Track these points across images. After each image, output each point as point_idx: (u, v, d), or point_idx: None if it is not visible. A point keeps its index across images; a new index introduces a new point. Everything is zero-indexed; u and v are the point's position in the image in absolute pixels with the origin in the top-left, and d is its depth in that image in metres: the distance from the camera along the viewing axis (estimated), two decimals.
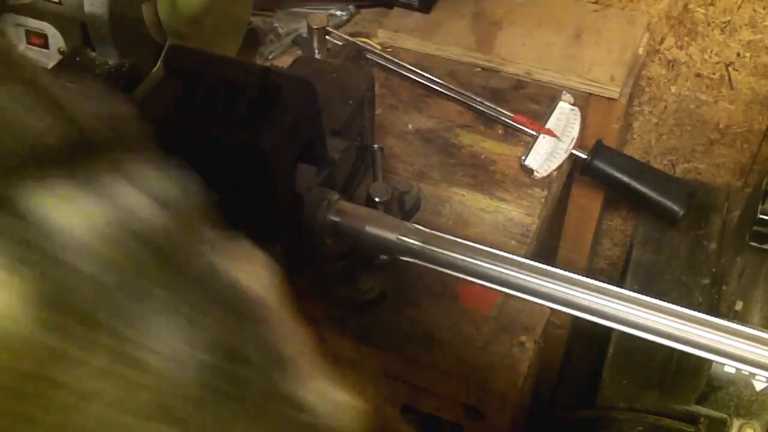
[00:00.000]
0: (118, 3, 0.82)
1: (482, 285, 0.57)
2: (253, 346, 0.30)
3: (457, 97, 1.00)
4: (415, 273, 0.82)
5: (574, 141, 0.96)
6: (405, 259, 0.60)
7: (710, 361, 0.83)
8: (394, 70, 1.04)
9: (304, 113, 0.61)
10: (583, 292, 0.53)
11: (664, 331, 0.51)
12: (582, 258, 1.33)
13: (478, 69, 1.06)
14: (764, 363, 0.48)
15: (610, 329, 0.53)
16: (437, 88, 1.02)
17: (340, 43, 1.00)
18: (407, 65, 1.03)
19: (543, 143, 0.94)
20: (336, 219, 0.64)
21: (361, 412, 0.33)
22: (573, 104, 0.99)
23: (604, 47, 1.05)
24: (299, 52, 1.06)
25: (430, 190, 0.91)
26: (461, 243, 0.58)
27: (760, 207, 0.89)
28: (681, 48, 1.14)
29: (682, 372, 0.94)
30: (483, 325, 0.77)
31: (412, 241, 0.59)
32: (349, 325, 0.78)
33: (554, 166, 0.93)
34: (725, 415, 0.86)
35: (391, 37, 1.10)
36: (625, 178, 0.99)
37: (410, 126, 0.99)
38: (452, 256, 0.58)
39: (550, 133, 0.95)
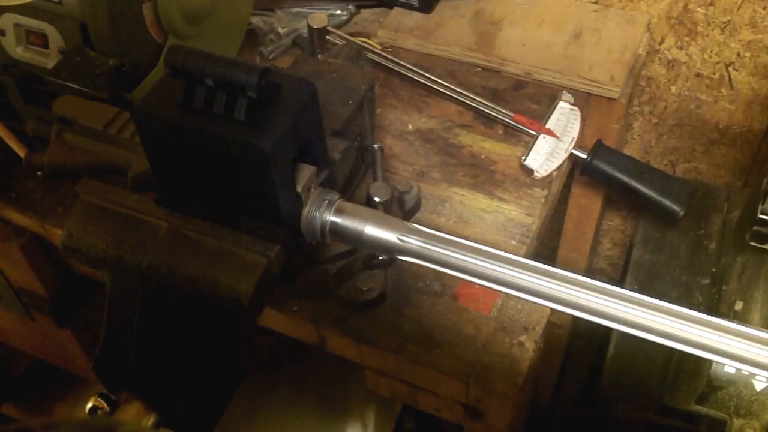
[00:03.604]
0: (118, 3, 0.82)
1: (482, 285, 0.57)
2: None
3: (457, 97, 1.00)
4: (415, 273, 0.82)
5: (574, 141, 0.96)
6: (405, 259, 0.60)
7: (710, 361, 0.83)
8: (394, 70, 1.04)
9: (304, 113, 0.61)
10: (583, 292, 0.53)
11: (664, 331, 0.51)
12: (582, 258, 1.33)
13: (478, 69, 1.06)
14: (764, 363, 0.48)
15: (610, 329, 0.53)
16: (437, 88, 1.02)
17: (340, 43, 1.00)
18: (407, 65, 1.03)
19: (543, 143, 0.94)
20: (336, 219, 0.64)
21: None
22: (573, 104, 0.99)
23: (604, 47, 1.05)
24: (299, 52, 1.06)
25: (430, 190, 0.91)
26: (461, 243, 0.58)
27: (760, 207, 0.89)
28: (681, 48, 1.14)
29: (682, 372, 0.94)
30: (483, 325, 0.77)
31: (412, 241, 0.59)
32: (349, 325, 0.78)
33: (554, 166, 0.93)
34: (725, 415, 0.86)
35: (391, 37, 1.10)
36: (625, 178, 0.99)
37: (410, 126, 0.99)
38: (452, 256, 0.58)
39: (550, 133, 0.95)
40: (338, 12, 1.14)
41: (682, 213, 0.98)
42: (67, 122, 0.77)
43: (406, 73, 1.03)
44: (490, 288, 0.57)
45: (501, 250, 0.57)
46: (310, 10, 1.12)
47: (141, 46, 0.88)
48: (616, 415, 1.00)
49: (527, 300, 0.56)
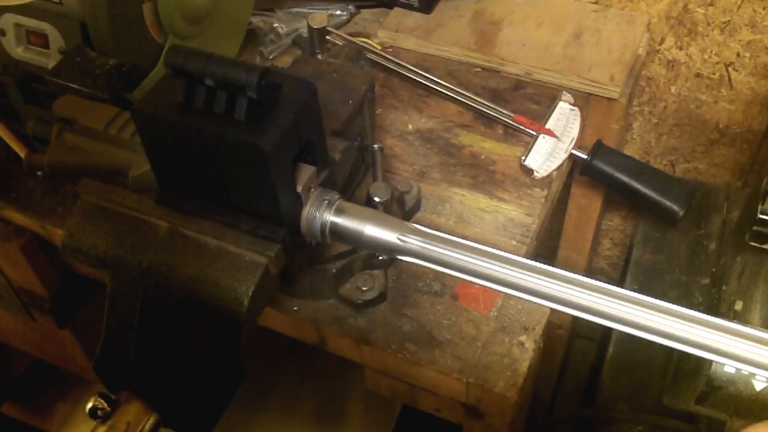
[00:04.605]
0: (118, 3, 0.82)
1: (482, 285, 0.57)
2: None
3: (457, 97, 1.00)
4: (415, 273, 0.82)
5: (574, 141, 0.96)
6: (405, 259, 0.60)
7: (710, 361, 0.83)
8: (394, 70, 1.04)
9: (304, 113, 0.61)
10: (583, 292, 0.53)
11: (664, 331, 0.51)
12: (582, 258, 1.33)
13: (478, 69, 1.06)
14: (764, 363, 0.48)
15: (610, 329, 0.53)
16: (437, 88, 1.02)
17: (340, 43, 1.00)
18: (407, 65, 1.03)
19: (543, 143, 0.94)
20: (336, 219, 0.64)
21: None
22: (573, 104, 0.99)
23: (604, 47, 1.05)
24: (299, 52, 1.06)
25: (430, 190, 0.91)
26: (461, 243, 0.58)
27: (759, 207, 0.89)
28: (681, 48, 1.14)
29: (682, 372, 0.94)
30: (483, 325, 0.77)
31: (412, 241, 0.59)
32: (349, 325, 0.78)
33: (554, 166, 0.93)
34: (725, 415, 0.86)
35: (391, 37, 1.10)
36: (625, 178, 0.99)
37: (410, 126, 0.99)
38: (452, 256, 0.58)
39: (550, 133, 0.95)
40: (338, 12, 1.14)
41: (681, 213, 0.98)
42: (67, 122, 0.77)
43: (406, 73, 1.03)
44: (490, 288, 0.57)
45: (501, 250, 0.57)
46: (310, 10, 1.12)
47: (141, 46, 0.88)
48: (616, 415, 1.00)
49: (527, 300, 0.56)
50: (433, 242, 0.59)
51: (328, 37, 0.98)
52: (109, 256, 0.66)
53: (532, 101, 1.01)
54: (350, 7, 1.15)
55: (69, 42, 0.85)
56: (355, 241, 0.63)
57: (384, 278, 0.79)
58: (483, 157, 0.95)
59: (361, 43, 1.03)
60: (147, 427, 0.66)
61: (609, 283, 0.53)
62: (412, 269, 0.82)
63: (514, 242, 0.85)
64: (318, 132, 0.65)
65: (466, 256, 0.57)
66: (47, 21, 0.85)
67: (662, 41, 1.15)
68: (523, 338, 0.76)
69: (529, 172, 0.92)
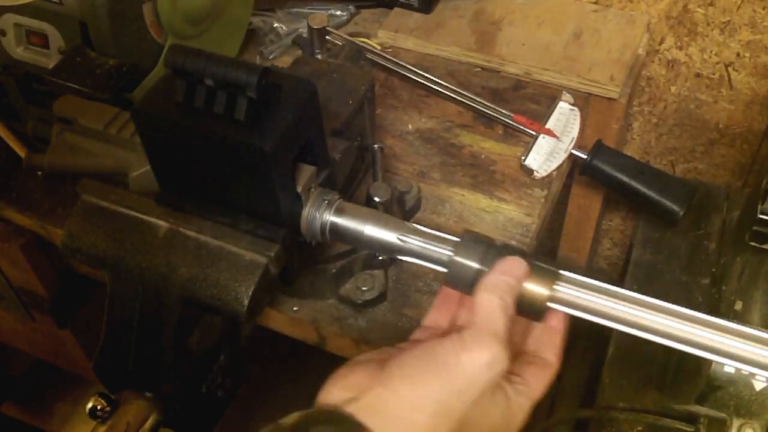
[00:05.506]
0: (118, 3, 0.82)
1: None
2: None
3: (457, 97, 1.00)
4: (415, 273, 0.82)
5: (574, 141, 0.96)
6: (405, 259, 0.60)
7: (710, 361, 0.83)
8: (394, 70, 1.04)
9: (304, 113, 0.61)
10: (584, 293, 0.53)
11: (664, 331, 0.51)
12: (582, 258, 1.33)
13: (478, 69, 1.06)
14: (764, 363, 0.48)
15: (610, 329, 0.53)
16: (437, 88, 1.02)
17: (340, 43, 1.00)
18: (407, 65, 1.03)
19: (543, 143, 0.94)
20: (336, 219, 0.64)
21: None
22: (573, 104, 0.99)
23: (604, 47, 1.05)
24: (299, 52, 1.06)
25: (430, 190, 0.91)
26: None
27: (759, 207, 0.89)
28: (681, 48, 1.14)
29: (681, 372, 0.94)
30: None
31: (412, 241, 0.59)
32: (349, 325, 0.78)
33: (554, 166, 0.93)
34: (725, 415, 0.86)
35: (391, 37, 1.10)
36: (625, 178, 0.99)
37: (410, 126, 0.99)
38: None
39: (549, 133, 0.95)
40: (338, 12, 1.14)
41: (681, 213, 0.98)
42: (67, 122, 0.77)
43: (406, 74, 1.03)
44: None
45: None
46: (310, 10, 1.12)
47: (141, 46, 0.88)
48: (616, 415, 0.99)
49: None
50: (434, 242, 0.59)
51: (328, 37, 0.98)
52: (109, 256, 0.66)
53: (532, 101, 1.01)
54: (350, 7, 1.15)
55: (69, 42, 0.85)
56: (355, 241, 0.63)
57: (384, 278, 0.79)
58: (483, 157, 0.95)
59: (361, 43, 1.03)
60: (147, 427, 0.66)
61: (609, 283, 0.53)
62: (412, 269, 0.82)
63: (513, 242, 0.85)
64: (318, 132, 0.65)
65: None
66: (47, 21, 0.85)
67: (662, 41, 1.15)
68: None
69: (529, 172, 0.92)
